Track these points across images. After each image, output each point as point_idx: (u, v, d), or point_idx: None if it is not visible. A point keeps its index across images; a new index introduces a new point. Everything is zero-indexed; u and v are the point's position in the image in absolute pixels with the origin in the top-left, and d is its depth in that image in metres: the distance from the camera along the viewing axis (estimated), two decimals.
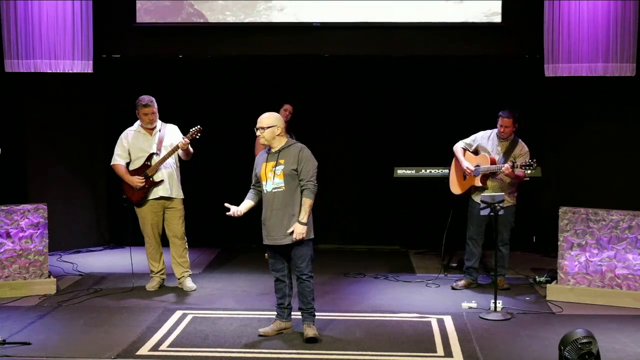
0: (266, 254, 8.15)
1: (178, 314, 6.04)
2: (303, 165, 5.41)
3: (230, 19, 8.14)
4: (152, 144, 6.72)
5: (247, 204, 5.60)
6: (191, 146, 6.69)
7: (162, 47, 8.26)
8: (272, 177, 5.41)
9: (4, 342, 5.23)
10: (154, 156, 6.70)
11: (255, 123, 8.39)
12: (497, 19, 8.00)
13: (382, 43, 8.18)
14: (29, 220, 6.62)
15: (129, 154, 6.77)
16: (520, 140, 6.75)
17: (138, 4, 8.13)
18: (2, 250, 6.55)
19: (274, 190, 5.41)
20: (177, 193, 6.80)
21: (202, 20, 8.15)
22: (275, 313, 5.68)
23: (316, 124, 8.49)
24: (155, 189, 6.71)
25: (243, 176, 8.62)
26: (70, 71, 7.85)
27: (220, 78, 8.71)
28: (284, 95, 8.41)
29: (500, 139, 6.76)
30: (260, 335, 5.51)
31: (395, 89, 8.62)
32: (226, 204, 5.54)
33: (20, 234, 6.59)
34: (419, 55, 8.30)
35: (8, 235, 6.56)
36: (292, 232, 5.36)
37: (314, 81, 8.63)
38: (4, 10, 7.71)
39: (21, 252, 6.60)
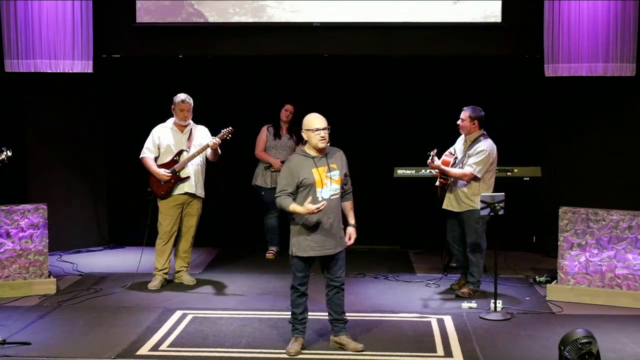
0: (267, 254, 8.24)
1: (178, 314, 6.04)
2: (347, 169, 5.29)
3: (231, 18, 8.14)
4: (182, 141, 6.81)
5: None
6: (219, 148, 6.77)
7: (162, 47, 8.26)
8: (328, 183, 5.10)
9: (4, 342, 5.22)
10: (183, 153, 6.79)
11: (256, 123, 8.48)
12: (497, 19, 8.00)
13: (382, 43, 8.18)
14: (29, 220, 6.61)
15: (158, 149, 6.85)
16: (485, 141, 6.54)
17: (138, 4, 8.13)
18: (2, 250, 6.55)
19: (331, 197, 5.10)
20: (200, 192, 6.92)
21: (202, 20, 8.15)
22: (296, 329, 5.26)
23: None
24: (181, 185, 6.80)
25: (243, 176, 8.67)
26: (70, 71, 7.85)
27: (220, 78, 8.71)
28: (284, 95, 8.41)
29: (465, 138, 6.68)
30: (291, 355, 5.13)
31: (395, 89, 8.62)
32: (313, 206, 4.96)
33: (20, 234, 6.59)
34: (419, 55, 8.30)
35: (8, 235, 6.56)
36: (341, 239, 5.20)
37: (313, 81, 8.62)
38: (4, 10, 7.70)
39: (21, 252, 6.60)
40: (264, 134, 8.13)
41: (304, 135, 5.21)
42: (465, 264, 6.81)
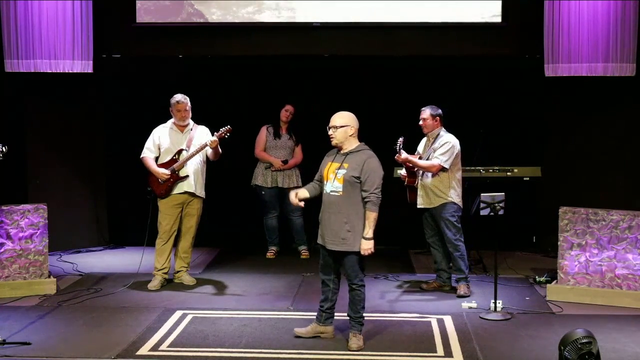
0: (268, 254, 8.25)
1: (178, 314, 6.04)
2: (368, 175, 5.13)
3: (230, 19, 8.15)
4: (182, 141, 6.84)
5: (304, 193, 5.42)
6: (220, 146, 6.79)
7: (162, 47, 8.27)
8: (332, 179, 5.20)
9: (4, 342, 5.22)
10: (183, 152, 6.81)
11: (256, 123, 8.49)
12: (497, 19, 8.00)
13: (382, 43, 8.19)
14: (29, 220, 6.61)
15: (159, 149, 6.88)
16: (447, 134, 6.67)
17: (138, 4, 8.13)
18: (2, 250, 6.55)
19: (331, 193, 5.21)
20: (200, 192, 6.93)
21: (202, 20, 8.16)
22: (317, 314, 5.50)
23: (315, 124, 8.48)
24: (180, 184, 6.82)
25: (243, 176, 8.67)
26: (70, 71, 7.85)
27: (220, 78, 8.71)
28: (284, 95, 8.41)
29: (428, 136, 6.80)
30: (296, 336, 5.39)
31: (394, 89, 8.62)
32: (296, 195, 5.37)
33: (20, 234, 6.59)
34: (419, 55, 8.30)
35: (8, 235, 6.56)
36: (343, 239, 5.19)
37: (313, 81, 8.63)
38: (4, 10, 7.71)
39: (21, 252, 6.60)
40: (264, 133, 8.13)
41: None
42: (444, 266, 6.87)
